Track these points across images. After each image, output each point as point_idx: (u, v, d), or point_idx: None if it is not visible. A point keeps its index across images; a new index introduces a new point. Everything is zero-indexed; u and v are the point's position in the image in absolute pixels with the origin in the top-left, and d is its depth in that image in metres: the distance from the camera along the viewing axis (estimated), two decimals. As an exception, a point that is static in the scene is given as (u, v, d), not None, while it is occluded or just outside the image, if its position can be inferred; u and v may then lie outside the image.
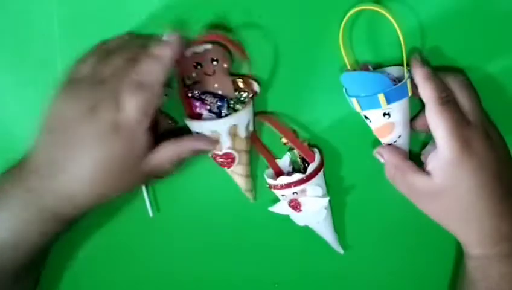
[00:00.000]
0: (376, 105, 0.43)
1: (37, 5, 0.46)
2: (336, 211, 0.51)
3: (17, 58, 0.48)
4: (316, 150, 0.48)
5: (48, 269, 0.53)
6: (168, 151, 0.43)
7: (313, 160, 0.47)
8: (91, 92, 0.41)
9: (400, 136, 0.45)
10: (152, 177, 0.46)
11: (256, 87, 0.47)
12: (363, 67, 0.45)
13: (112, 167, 0.41)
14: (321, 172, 0.48)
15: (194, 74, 0.46)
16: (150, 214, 0.51)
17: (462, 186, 0.40)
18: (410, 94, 0.43)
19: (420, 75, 0.42)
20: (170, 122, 0.48)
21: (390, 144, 0.45)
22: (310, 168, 0.47)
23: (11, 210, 0.42)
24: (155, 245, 0.54)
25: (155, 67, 0.41)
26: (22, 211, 0.42)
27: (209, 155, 0.47)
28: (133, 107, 0.40)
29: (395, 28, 0.41)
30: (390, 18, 0.41)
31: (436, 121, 0.41)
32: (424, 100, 0.42)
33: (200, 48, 0.45)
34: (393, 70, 0.45)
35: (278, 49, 0.46)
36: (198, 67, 0.45)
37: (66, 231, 0.47)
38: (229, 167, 0.47)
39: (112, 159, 0.41)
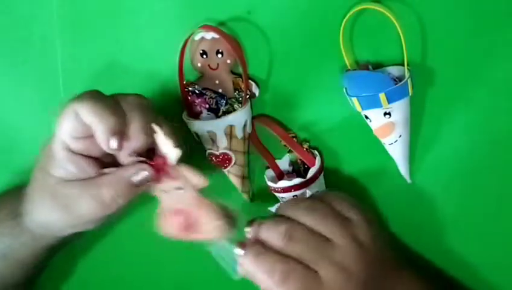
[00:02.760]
0: (377, 104, 0.43)
1: (37, 8, 0.47)
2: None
3: (17, 61, 0.48)
4: (316, 152, 0.48)
5: (52, 268, 0.53)
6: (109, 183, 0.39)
7: (313, 164, 0.47)
8: None
9: (400, 136, 0.45)
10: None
11: (255, 88, 0.47)
12: (363, 67, 0.45)
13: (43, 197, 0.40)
14: (321, 176, 0.47)
15: (199, 64, 0.46)
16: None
17: None
18: (411, 94, 0.43)
19: (243, 269, 0.40)
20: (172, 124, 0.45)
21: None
22: (310, 173, 0.46)
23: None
24: (152, 245, 0.53)
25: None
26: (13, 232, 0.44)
27: (206, 155, 0.47)
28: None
29: (395, 27, 0.41)
30: (391, 17, 0.41)
31: None
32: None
33: (209, 35, 0.45)
34: (394, 70, 0.45)
35: (276, 50, 0.46)
36: (204, 56, 0.46)
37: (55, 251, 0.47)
38: (225, 168, 0.47)
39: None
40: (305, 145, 0.48)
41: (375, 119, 0.44)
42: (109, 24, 0.46)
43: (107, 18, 0.46)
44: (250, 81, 0.46)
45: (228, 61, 0.46)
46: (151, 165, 0.38)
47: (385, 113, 0.43)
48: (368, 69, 0.45)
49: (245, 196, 0.49)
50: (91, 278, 0.55)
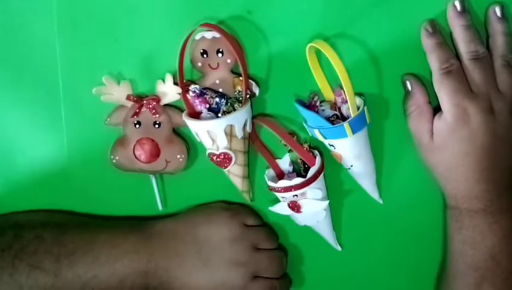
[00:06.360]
0: (316, 136, 0.45)
1: (37, 8, 0.46)
2: (335, 211, 0.51)
3: (17, 61, 0.48)
4: (316, 152, 0.48)
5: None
6: None
7: (314, 164, 0.47)
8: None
9: (352, 166, 0.46)
10: None
11: (255, 88, 0.47)
12: (337, 91, 0.46)
13: None
14: (321, 175, 0.47)
15: (199, 64, 0.46)
16: (160, 207, 0.51)
17: (450, 149, 0.44)
18: (349, 136, 0.44)
19: (426, 46, 0.44)
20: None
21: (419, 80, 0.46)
22: (311, 172, 0.46)
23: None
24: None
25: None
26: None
27: (206, 154, 0.47)
28: None
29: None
30: (334, 59, 0.42)
31: (437, 88, 0.44)
32: (431, 68, 0.44)
33: (209, 34, 0.45)
34: (357, 101, 0.45)
35: (276, 50, 0.46)
36: (204, 56, 0.46)
37: None
38: (225, 167, 0.47)
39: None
40: (306, 145, 0.48)
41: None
42: (108, 23, 0.46)
43: (107, 17, 0.46)
44: (250, 80, 0.46)
45: (228, 60, 0.46)
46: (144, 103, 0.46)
47: (329, 144, 0.45)
48: (340, 94, 0.46)
49: (245, 196, 0.49)
50: None
